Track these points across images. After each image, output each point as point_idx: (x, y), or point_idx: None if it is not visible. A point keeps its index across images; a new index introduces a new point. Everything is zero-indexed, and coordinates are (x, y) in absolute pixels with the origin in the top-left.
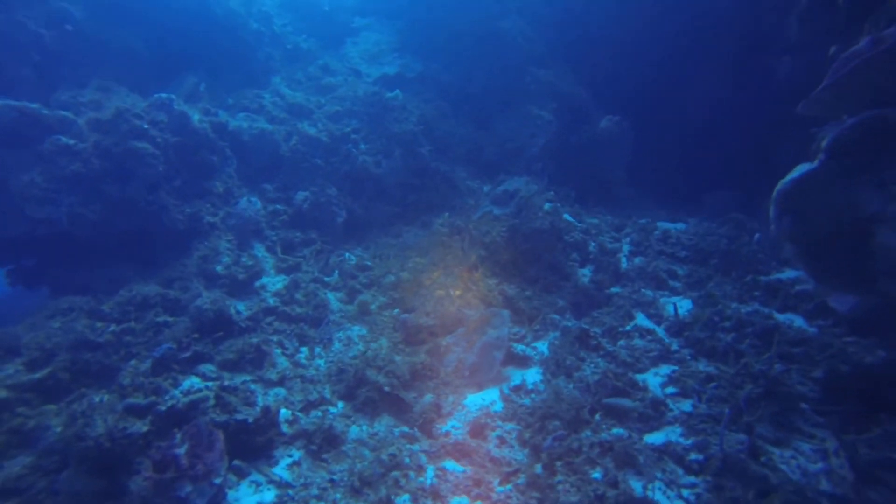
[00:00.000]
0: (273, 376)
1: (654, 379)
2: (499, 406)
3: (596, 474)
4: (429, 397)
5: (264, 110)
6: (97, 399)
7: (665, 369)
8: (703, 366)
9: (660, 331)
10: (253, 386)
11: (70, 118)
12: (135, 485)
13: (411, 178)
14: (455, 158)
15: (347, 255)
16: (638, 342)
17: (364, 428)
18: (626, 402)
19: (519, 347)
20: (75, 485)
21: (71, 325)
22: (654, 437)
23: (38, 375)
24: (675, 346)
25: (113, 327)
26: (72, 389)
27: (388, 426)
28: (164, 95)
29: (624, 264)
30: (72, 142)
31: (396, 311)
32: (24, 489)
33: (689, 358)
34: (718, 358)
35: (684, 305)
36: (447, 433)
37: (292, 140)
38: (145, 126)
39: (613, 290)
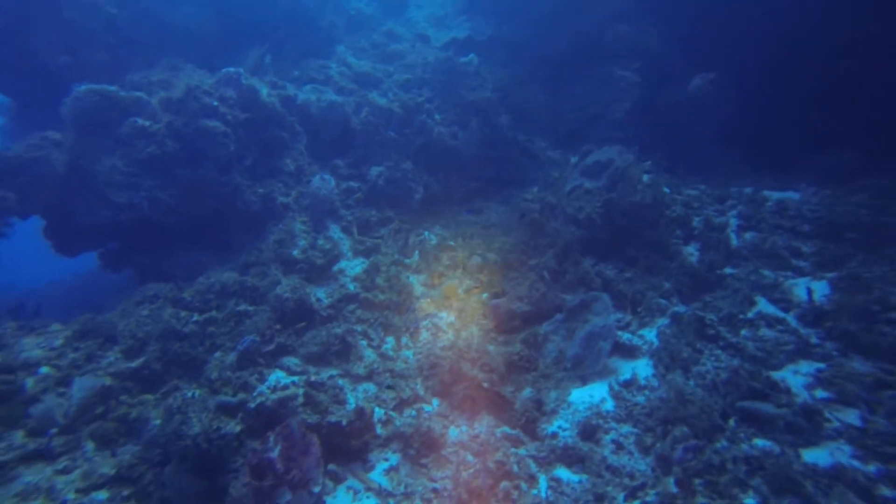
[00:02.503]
0: (361, 370)
1: (795, 378)
2: (609, 404)
3: (750, 501)
4: (528, 392)
5: (331, 81)
6: (189, 394)
7: (806, 367)
8: (859, 365)
9: (791, 319)
10: (341, 381)
11: (144, 99)
12: (235, 490)
13: (488, 150)
14: (533, 127)
15: (427, 233)
16: (766, 332)
17: (464, 429)
18: (768, 408)
19: (625, 336)
20: (179, 482)
21: (158, 314)
22: (816, 456)
23: (134, 364)
24: (814, 339)
25: (196, 317)
26: (164, 380)
27: (489, 426)
28: (231, 70)
29: (734, 241)
30: (147, 123)
31: (485, 295)
32: (137, 479)
33: (836, 354)
34: (884, 356)
35: (819, 289)
36: (554, 435)
37: (363, 112)
38: (215, 103)
39: (726, 270)
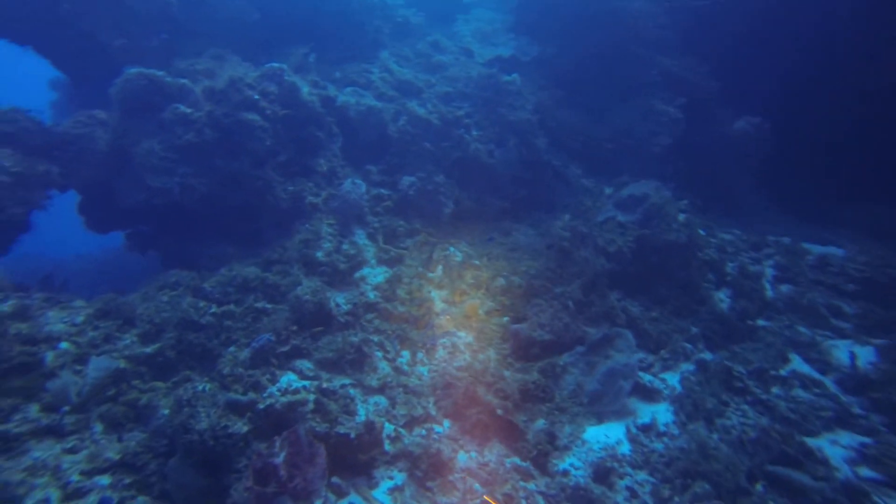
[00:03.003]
0: (374, 382)
1: (833, 450)
2: (626, 447)
3: None
4: (541, 423)
5: (372, 86)
6: (200, 387)
7: (847, 438)
8: None
9: (829, 383)
10: (353, 391)
11: (188, 86)
12: (237, 493)
13: (523, 171)
14: (568, 152)
15: (452, 249)
16: (801, 393)
17: (473, 455)
18: (803, 478)
19: (646, 377)
20: (182, 477)
21: (178, 302)
22: None
23: (149, 350)
24: (857, 409)
25: (214, 308)
26: (177, 369)
27: (499, 455)
28: (275, 65)
29: (769, 292)
30: (188, 110)
31: (506, 319)
32: (140, 467)
33: (884, 430)
34: None
35: (863, 355)
36: (566, 472)
37: (401, 120)
38: (256, 97)
39: (759, 321)
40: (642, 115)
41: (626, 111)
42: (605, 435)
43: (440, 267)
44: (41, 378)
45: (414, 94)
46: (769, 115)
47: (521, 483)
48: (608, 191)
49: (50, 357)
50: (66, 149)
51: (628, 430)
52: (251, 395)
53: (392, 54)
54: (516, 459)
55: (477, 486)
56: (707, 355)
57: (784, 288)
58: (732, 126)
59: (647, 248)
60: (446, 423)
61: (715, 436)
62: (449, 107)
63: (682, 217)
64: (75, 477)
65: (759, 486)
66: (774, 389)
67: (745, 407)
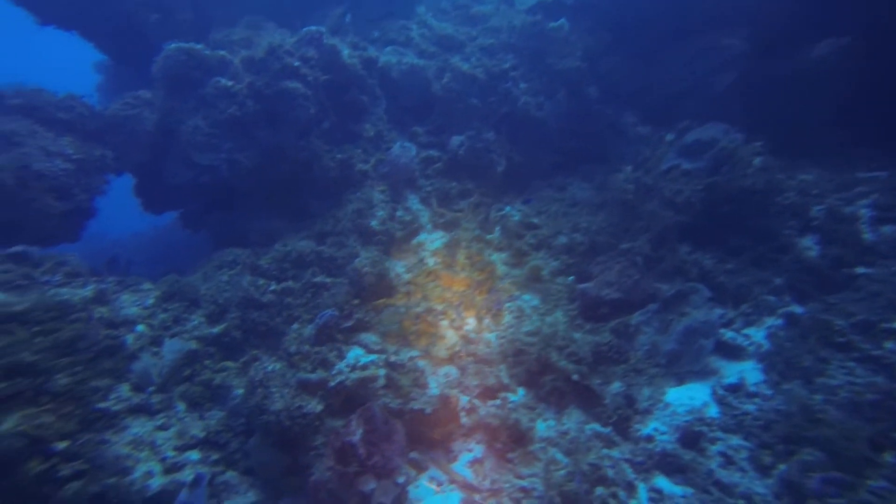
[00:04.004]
0: (442, 352)
1: None
2: (713, 410)
3: None
4: (617, 386)
5: (412, 43)
6: (270, 367)
7: None
8: None
9: None
10: (421, 363)
11: (227, 58)
12: (319, 473)
13: (574, 123)
14: (621, 100)
15: (508, 208)
16: None
17: (551, 423)
18: None
19: (727, 334)
20: (262, 455)
21: (238, 281)
22: None
23: (216, 330)
24: None
25: (274, 286)
26: (244, 349)
27: (579, 422)
28: (313, 28)
29: (867, 235)
30: (230, 83)
31: (571, 278)
32: (223, 444)
33: None
34: None
35: None
36: (650, 438)
37: (445, 77)
38: (296, 63)
39: (858, 269)
40: (700, 52)
41: (682, 50)
42: (688, 397)
43: (497, 228)
44: (126, 360)
45: (456, 49)
46: (854, 36)
47: (605, 451)
48: (669, 137)
49: (130, 340)
50: (117, 132)
51: (714, 391)
52: (321, 373)
53: (429, 8)
54: (596, 426)
55: (559, 455)
56: (796, 308)
57: (887, 229)
58: (810, 53)
59: (720, 196)
60: (521, 391)
61: (818, 397)
62: (493, 60)
63: (757, 161)
64: (170, 453)
65: (886, 456)
66: (888, 344)
67: (852, 364)
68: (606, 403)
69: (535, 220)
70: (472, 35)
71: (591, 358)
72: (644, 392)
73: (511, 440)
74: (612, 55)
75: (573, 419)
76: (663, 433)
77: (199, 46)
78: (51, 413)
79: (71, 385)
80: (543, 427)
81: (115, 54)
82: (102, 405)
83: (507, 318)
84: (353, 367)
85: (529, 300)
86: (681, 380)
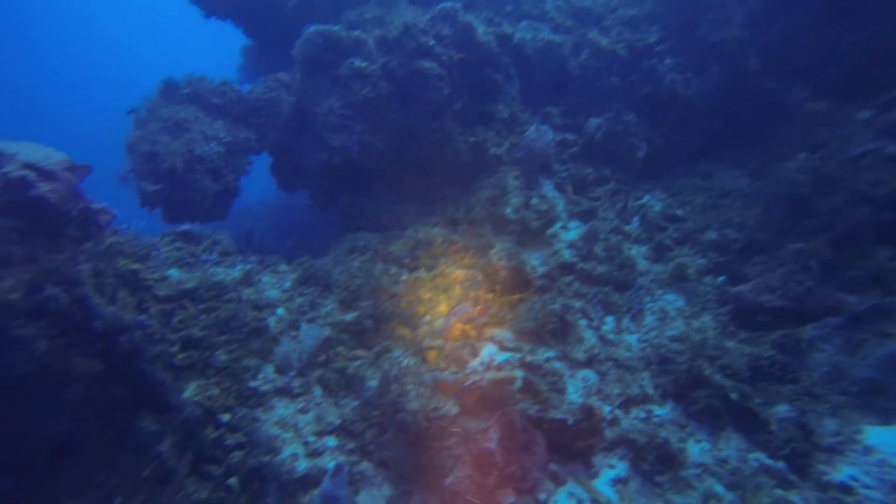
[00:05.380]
0: (580, 355)
1: None
2: None
3: None
4: (783, 409)
5: (547, 17)
6: (404, 362)
7: None
8: None
9: None
10: (557, 364)
11: (362, 38)
12: (455, 478)
13: (724, 101)
14: (791, 71)
15: (648, 197)
16: None
17: (706, 447)
18: None
19: None
20: (398, 451)
21: (370, 268)
22: None
23: (348, 318)
24: None
25: (405, 275)
26: (376, 338)
27: (740, 449)
28: (447, 4)
29: None
30: (363, 64)
31: (722, 278)
32: (358, 434)
33: None
34: None
35: None
36: (847, 488)
37: (582, 54)
38: (431, 42)
39: None
40: None
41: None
42: None
43: (636, 218)
44: (270, 342)
45: (594, 23)
46: None
47: (779, 491)
48: (864, 115)
49: (272, 322)
50: (258, 114)
51: None
52: (455, 370)
53: None
54: (762, 456)
55: (719, 487)
56: None
57: None
58: None
59: None
60: (668, 404)
61: None
62: (636, 33)
63: None
64: (311, 438)
65: None
66: None
67: None
68: (773, 431)
69: (679, 212)
70: (611, 6)
71: (747, 372)
72: (827, 425)
73: (659, 461)
74: (786, 17)
75: (732, 445)
76: (868, 487)
77: (335, 28)
78: (216, 386)
79: (228, 362)
80: (697, 450)
81: (258, 38)
82: (253, 384)
83: (649, 320)
84: (488, 367)
85: (673, 300)
86: (887, 418)
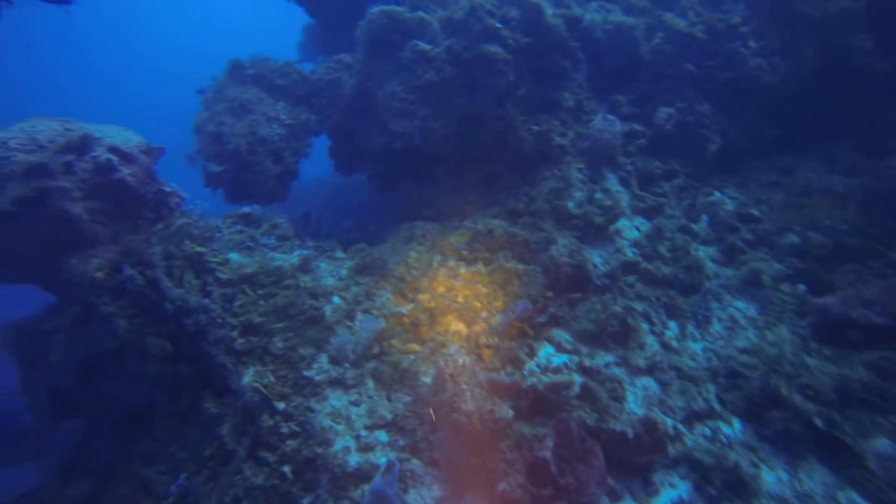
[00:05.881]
0: (641, 361)
1: None
2: None
3: None
4: (884, 444)
5: None
6: (460, 361)
7: None
8: None
9: None
10: (617, 370)
11: (426, 19)
12: (508, 485)
13: (812, 86)
14: None
15: (718, 194)
16: None
17: (784, 477)
18: None
19: None
20: (451, 453)
21: (427, 259)
22: None
23: (404, 309)
24: None
25: (463, 268)
26: (430, 334)
27: (826, 484)
28: None
29: None
30: (427, 47)
31: (803, 288)
32: (409, 431)
33: None
34: None
35: None
36: None
37: (656, 38)
38: (497, 24)
39: None
40: None
41: None
42: None
43: (705, 217)
44: (326, 331)
45: (669, 2)
46: None
47: None
48: None
49: (328, 311)
50: (320, 96)
51: None
52: (511, 371)
53: None
54: (856, 496)
55: None
56: None
57: None
58: None
59: None
60: (737, 423)
61: None
62: (717, 13)
63: None
64: (363, 432)
65: None
66: None
67: None
68: (871, 468)
69: (754, 211)
70: None
71: (833, 395)
72: None
73: (728, 486)
74: None
75: (816, 478)
76: None
77: (399, 8)
78: (272, 374)
79: (285, 350)
80: (772, 479)
81: (321, 17)
82: (307, 373)
83: (717, 328)
84: (545, 369)
85: (744, 308)
86: None
